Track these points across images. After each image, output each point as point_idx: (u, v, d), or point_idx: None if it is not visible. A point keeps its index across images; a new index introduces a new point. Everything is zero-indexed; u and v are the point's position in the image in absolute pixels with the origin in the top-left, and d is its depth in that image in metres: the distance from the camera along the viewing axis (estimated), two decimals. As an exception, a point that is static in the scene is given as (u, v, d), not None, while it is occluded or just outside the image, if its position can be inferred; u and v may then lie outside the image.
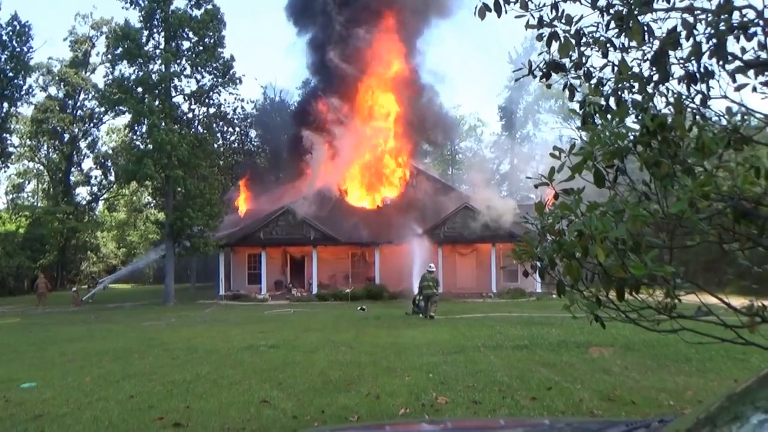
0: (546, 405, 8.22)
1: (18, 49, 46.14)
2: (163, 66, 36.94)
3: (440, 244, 37.43)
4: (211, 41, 38.08)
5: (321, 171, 43.64)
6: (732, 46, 3.43)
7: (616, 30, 3.87)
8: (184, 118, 38.97)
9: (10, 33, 45.65)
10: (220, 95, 42.68)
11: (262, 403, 8.75)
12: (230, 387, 10.04)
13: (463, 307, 29.13)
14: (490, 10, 4.10)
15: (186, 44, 38.12)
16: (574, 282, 3.39)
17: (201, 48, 37.87)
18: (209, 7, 38.10)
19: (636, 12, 3.68)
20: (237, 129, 59.46)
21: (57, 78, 61.04)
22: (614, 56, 3.95)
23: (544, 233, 3.50)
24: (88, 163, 64.52)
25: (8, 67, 45.82)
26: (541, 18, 4.01)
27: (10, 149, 54.06)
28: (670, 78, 3.69)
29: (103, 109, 55.91)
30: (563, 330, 17.11)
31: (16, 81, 46.87)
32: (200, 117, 40.40)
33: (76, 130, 62.87)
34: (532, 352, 13.26)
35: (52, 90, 61.96)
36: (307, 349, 14.50)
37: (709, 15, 3.48)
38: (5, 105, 46.80)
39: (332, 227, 39.05)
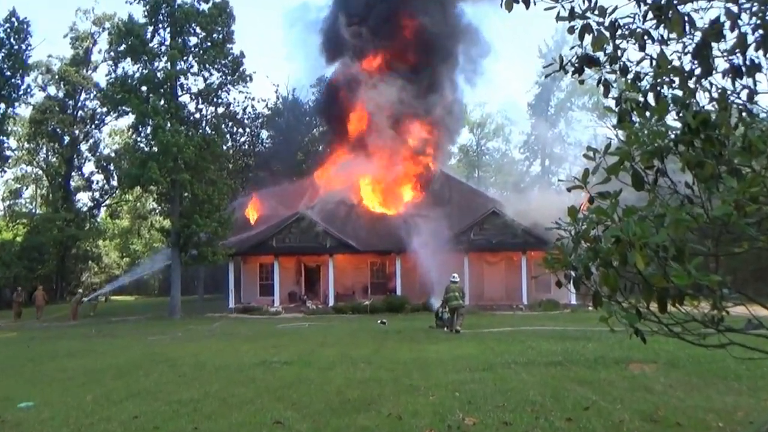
0: (583, 426, 8.17)
1: (16, 47, 46.66)
2: (168, 63, 37.26)
3: (467, 252, 37.28)
4: (220, 37, 38.34)
5: (338, 173, 43.72)
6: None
7: (654, 21, 3.86)
8: (191, 118, 39.22)
9: (8, 30, 46.20)
10: (229, 94, 43.01)
11: (275, 425, 8.78)
12: (241, 407, 10.08)
13: (491, 320, 29.00)
14: (517, 2, 4.11)
15: (193, 40, 38.45)
16: (611, 292, 3.38)
17: (209, 44, 38.11)
18: (217, 0, 38.37)
19: (675, 1, 3.67)
20: (247, 130, 59.81)
21: (57, 77, 61.72)
22: (652, 49, 3.94)
23: (578, 240, 3.50)
24: (89, 167, 65.04)
25: (6, 65, 46.35)
26: (572, 9, 4.00)
27: (7, 152, 54.67)
28: (714, 72, 3.67)
29: (105, 109, 56.47)
30: (601, 345, 16.97)
31: (13, 80, 47.37)
32: (208, 117, 40.66)
33: (77, 132, 63.54)
34: (566, 368, 13.18)
35: (52, 90, 62.74)
36: (323, 365, 14.53)
37: (755, 4, 3.46)
38: (2, 106, 47.32)
39: (350, 234, 39.10)
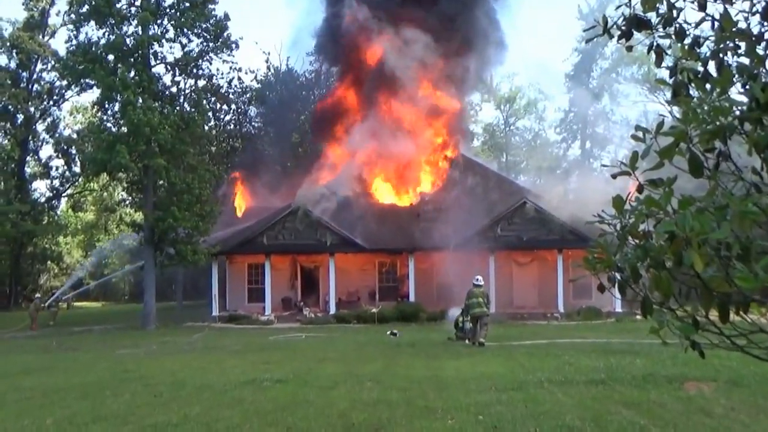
0: (629, 456, 8.17)
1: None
2: (139, 28, 37.24)
3: (492, 250, 37.28)
4: (200, -5, 38.43)
5: (342, 158, 43.75)
6: None
7: (717, -26, 3.84)
8: (167, 93, 39.29)
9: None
10: (211, 64, 42.99)
11: (267, 453, 8.81)
12: (227, 432, 10.11)
13: (521, 330, 29.00)
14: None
15: (168, 0, 38.47)
16: (663, 298, 3.37)
17: (187, 4, 38.11)
18: (197, -49, 38.39)
19: (742, -48, 3.65)
20: (233, 106, 59.91)
21: (7, 44, 61.88)
22: (714, 8, 3.92)
23: (624, 236, 3.48)
24: (47, 151, 65.53)
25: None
26: (618, -39, 3.99)
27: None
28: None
29: (65, 82, 56.35)
30: (650, 360, 16.94)
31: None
32: (186, 92, 40.71)
33: (32, 109, 63.77)
34: (610, 388, 13.17)
35: (2, 59, 63.00)
36: (323, 384, 14.56)
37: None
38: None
39: (355, 229, 39.12)
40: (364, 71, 45.88)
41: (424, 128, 44.56)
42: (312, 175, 44.31)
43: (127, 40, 36.85)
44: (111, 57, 36.94)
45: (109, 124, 38.18)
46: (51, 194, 68.49)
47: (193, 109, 40.15)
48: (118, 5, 37.25)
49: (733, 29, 3.70)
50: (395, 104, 43.85)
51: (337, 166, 44.04)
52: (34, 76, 63.87)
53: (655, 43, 4.20)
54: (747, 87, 3.41)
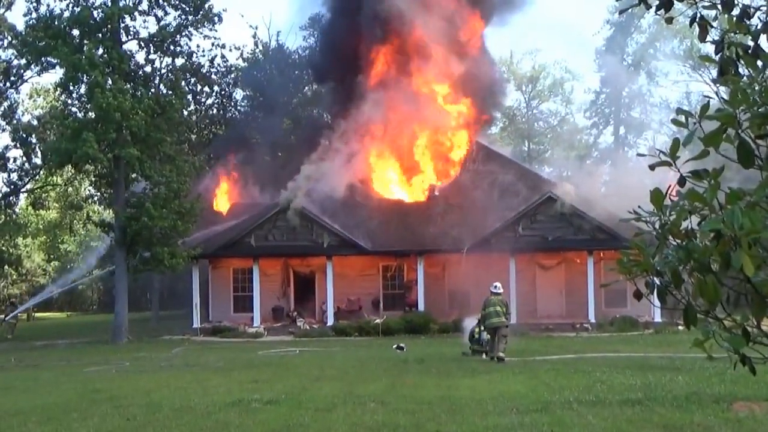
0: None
1: None
2: (108, -1, 37.32)
3: (513, 252, 37.25)
4: (178, -39, 38.49)
5: (341, 149, 43.76)
6: None
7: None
8: (140, 73, 39.32)
9: None
10: (190, 40, 43.09)
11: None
12: (210, 460, 10.14)
13: (546, 344, 28.99)
14: None
15: (141, -34, 38.50)
16: (709, 306, 3.37)
17: (163, -29, 38.23)
18: None
19: None
20: (216, 88, 59.85)
21: (-43, 18, 61.90)
22: (766, -26, 3.92)
23: (665, 235, 3.49)
24: (3, 140, 65.38)
25: None
26: None
27: None
28: None
29: (24, 61, 56.53)
30: (694, 377, 16.94)
31: None
32: (163, 72, 40.73)
33: (-14, 92, 63.78)
34: (648, 409, 13.17)
35: (-50, 35, 62.93)
36: (319, 406, 14.58)
37: None
38: None
39: (356, 229, 39.14)
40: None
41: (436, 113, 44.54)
42: (307, 164, 44.38)
43: (95, 13, 36.83)
44: (76, 32, 36.94)
45: (74, 109, 38.30)
46: (8, 190, 68.44)
47: (170, 92, 40.16)
48: (83, -28, 37.24)
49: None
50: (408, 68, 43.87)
51: (336, 154, 44.04)
52: (-12, 55, 63.89)
53: (698, 14, 4.19)
54: (804, 64, 3.41)
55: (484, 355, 23.62)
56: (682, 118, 3.41)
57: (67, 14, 37.00)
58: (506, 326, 23.57)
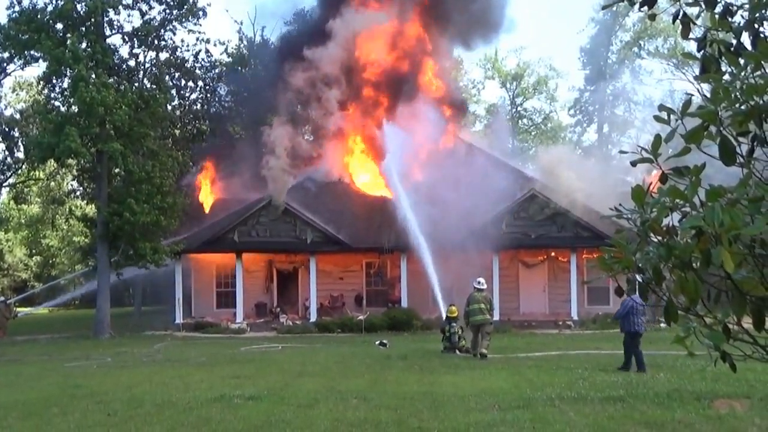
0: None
1: None
2: (93, -8, 37.11)
3: (496, 249, 37.22)
4: (162, -45, 38.33)
5: (323, 144, 43.70)
6: None
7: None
8: (124, 67, 39.17)
9: None
10: (174, 34, 42.82)
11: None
12: (191, 456, 10.12)
13: (529, 341, 29.07)
14: None
15: (125, -40, 38.31)
16: (690, 303, 3.38)
17: (147, -35, 38.07)
18: None
19: None
20: (200, 83, 59.60)
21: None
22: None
23: (646, 232, 3.49)
24: (-15, 134, 64.87)
25: None
26: None
27: None
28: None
29: (6, 54, 56.18)
30: (675, 374, 17.02)
31: None
32: (147, 66, 40.57)
33: (-33, 86, 63.39)
34: (630, 406, 13.22)
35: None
36: (302, 402, 14.58)
37: None
38: None
39: (339, 226, 39.09)
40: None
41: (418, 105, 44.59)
42: (290, 160, 44.25)
43: (78, 7, 36.56)
44: (59, 26, 36.73)
45: (57, 103, 38.07)
46: (-10, 184, 68.24)
47: (153, 86, 40.05)
48: (67, -34, 37.02)
49: (771, -4, 3.71)
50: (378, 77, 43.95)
51: (319, 150, 43.97)
52: (-30, 48, 63.49)
53: (681, 12, 4.19)
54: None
55: (457, 351, 23.69)
56: (664, 115, 3.41)
57: (50, 8, 36.76)
58: (490, 323, 23.61)
